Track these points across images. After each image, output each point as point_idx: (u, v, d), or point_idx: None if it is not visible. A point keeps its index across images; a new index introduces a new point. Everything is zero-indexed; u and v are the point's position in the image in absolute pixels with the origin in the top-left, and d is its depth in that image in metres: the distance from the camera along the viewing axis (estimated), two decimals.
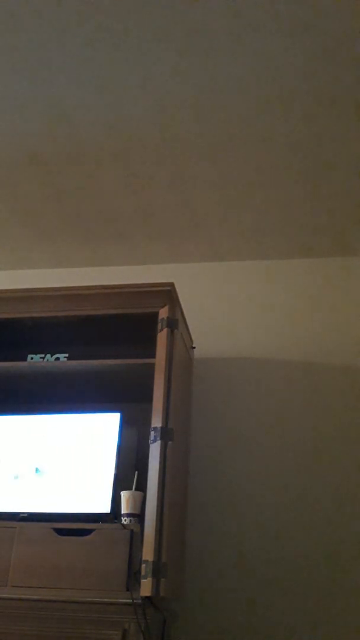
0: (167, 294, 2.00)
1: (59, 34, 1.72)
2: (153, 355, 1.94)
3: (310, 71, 1.78)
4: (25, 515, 1.90)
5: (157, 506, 1.68)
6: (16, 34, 1.72)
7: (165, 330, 1.94)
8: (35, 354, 2.27)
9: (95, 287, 2.08)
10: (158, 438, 1.77)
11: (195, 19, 1.65)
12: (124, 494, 1.89)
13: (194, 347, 2.40)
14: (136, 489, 1.91)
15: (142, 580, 1.60)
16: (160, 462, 1.74)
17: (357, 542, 2.08)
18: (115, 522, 1.82)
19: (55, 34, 1.72)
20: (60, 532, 1.76)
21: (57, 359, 2.23)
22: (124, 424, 2.04)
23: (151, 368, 1.92)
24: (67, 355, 2.24)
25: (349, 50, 1.71)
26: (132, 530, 1.73)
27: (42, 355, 2.25)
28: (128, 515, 1.85)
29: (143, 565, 1.61)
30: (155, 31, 1.69)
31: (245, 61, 1.76)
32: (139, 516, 1.85)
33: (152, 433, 1.79)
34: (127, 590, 1.64)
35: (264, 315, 2.55)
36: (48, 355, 2.25)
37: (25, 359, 2.25)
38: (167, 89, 1.87)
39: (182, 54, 1.75)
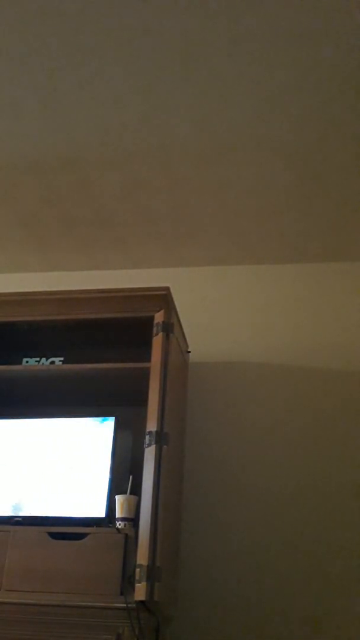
0: (163, 298, 2.01)
1: (57, 40, 1.72)
2: (148, 360, 1.94)
3: (305, 79, 1.79)
4: (20, 519, 1.90)
5: (152, 510, 1.68)
6: (15, 40, 1.73)
7: (160, 334, 1.95)
8: (31, 357, 2.27)
9: (91, 291, 2.08)
10: (153, 442, 1.77)
11: (192, 26, 1.66)
12: (118, 498, 1.88)
13: (189, 351, 2.40)
14: (131, 493, 1.91)
15: (137, 585, 1.59)
16: (155, 466, 1.74)
17: (358, 552, 2.08)
18: (110, 526, 1.82)
19: (54, 40, 1.72)
20: (54, 536, 1.76)
21: (52, 362, 2.23)
22: (118, 428, 2.04)
23: (146, 372, 1.92)
24: (62, 359, 2.23)
25: (343, 60, 1.73)
26: (126, 535, 1.73)
27: (38, 359, 2.25)
28: (122, 519, 1.84)
29: (137, 570, 1.61)
30: (153, 38, 1.70)
31: (242, 68, 1.77)
32: (133, 520, 1.85)
33: (147, 437, 1.79)
34: (121, 594, 1.64)
35: (259, 320, 2.55)
36: (43, 359, 2.25)
37: (20, 363, 2.25)
38: (164, 95, 1.88)
39: (179, 61, 1.76)
